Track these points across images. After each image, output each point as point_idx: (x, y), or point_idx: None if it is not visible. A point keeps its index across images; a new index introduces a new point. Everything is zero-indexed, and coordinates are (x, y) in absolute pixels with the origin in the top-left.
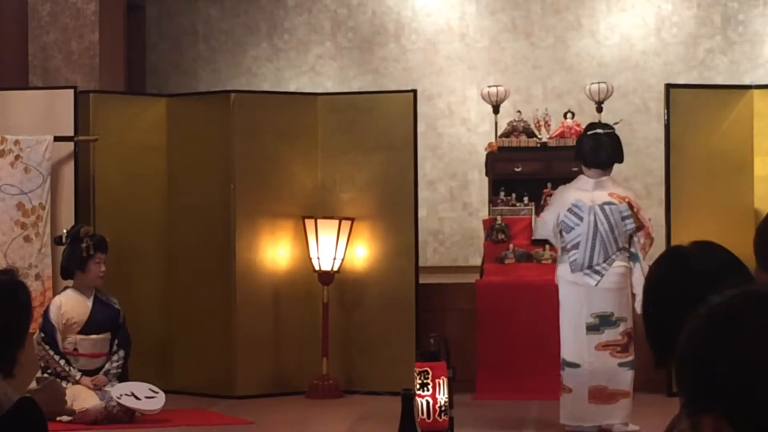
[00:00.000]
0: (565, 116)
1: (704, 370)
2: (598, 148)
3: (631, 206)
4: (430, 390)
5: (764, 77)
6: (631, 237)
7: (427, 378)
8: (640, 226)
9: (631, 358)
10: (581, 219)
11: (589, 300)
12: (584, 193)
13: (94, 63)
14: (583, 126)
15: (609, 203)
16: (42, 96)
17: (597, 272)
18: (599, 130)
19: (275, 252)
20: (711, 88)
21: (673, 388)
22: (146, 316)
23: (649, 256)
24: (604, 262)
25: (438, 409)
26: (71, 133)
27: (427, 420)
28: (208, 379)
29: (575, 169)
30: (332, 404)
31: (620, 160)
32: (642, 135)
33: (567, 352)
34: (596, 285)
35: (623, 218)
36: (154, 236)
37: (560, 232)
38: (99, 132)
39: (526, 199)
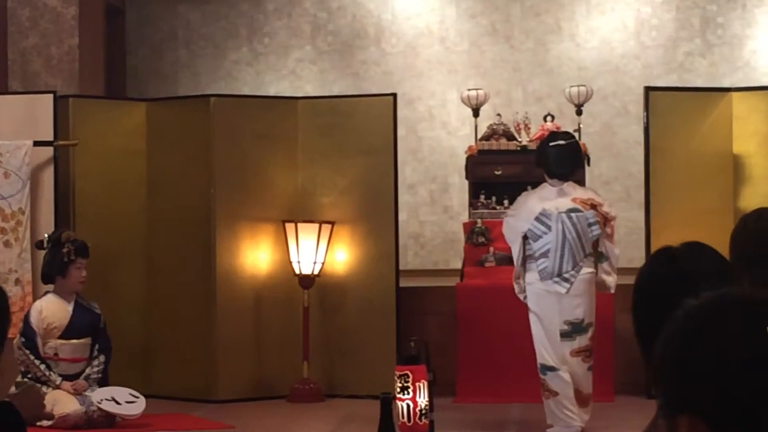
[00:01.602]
0: (545, 119)
1: (680, 371)
2: (562, 160)
3: (594, 207)
4: (411, 393)
5: (743, 80)
6: (597, 242)
7: (408, 381)
8: (604, 222)
9: (593, 361)
10: (549, 228)
11: (560, 307)
12: (548, 202)
13: (73, 68)
14: (563, 129)
15: (575, 210)
16: (21, 101)
17: (566, 280)
18: (561, 141)
19: (256, 256)
20: (690, 91)
21: (652, 390)
22: (127, 321)
23: (629, 259)
24: (573, 269)
25: (418, 413)
26: (51, 137)
27: (407, 423)
28: (189, 383)
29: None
30: (313, 408)
31: (582, 167)
32: (622, 138)
33: (546, 358)
34: (566, 292)
35: (590, 225)
36: (134, 241)
37: (526, 239)
38: (79, 137)
39: (506, 202)
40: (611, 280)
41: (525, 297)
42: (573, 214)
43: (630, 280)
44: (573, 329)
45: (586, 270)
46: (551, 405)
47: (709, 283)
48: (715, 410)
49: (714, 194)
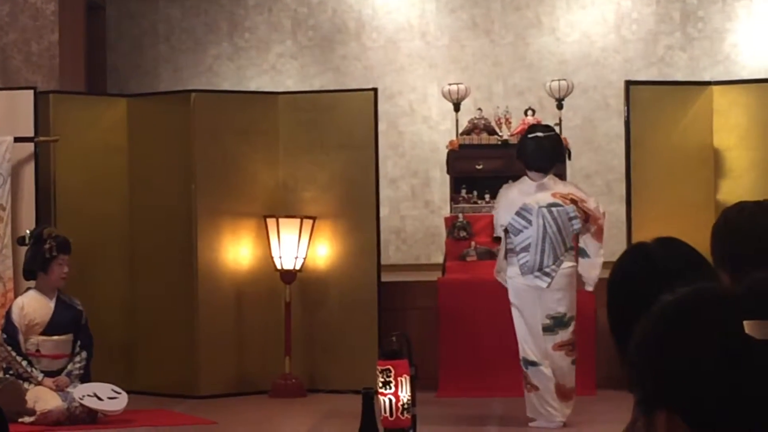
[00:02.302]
0: (525, 113)
1: (656, 367)
2: (540, 152)
3: (575, 202)
4: (393, 388)
5: (723, 73)
6: (577, 236)
7: (390, 376)
8: (586, 218)
9: (576, 355)
10: (530, 222)
11: (542, 302)
12: (529, 196)
13: (54, 63)
14: (544, 123)
15: (555, 205)
16: (1, 97)
17: (547, 274)
18: (540, 133)
19: (237, 251)
20: (671, 85)
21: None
22: (108, 317)
23: (610, 253)
24: (554, 263)
25: (401, 407)
26: (31, 134)
27: (389, 418)
28: (171, 379)
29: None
30: (295, 403)
31: (562, 160)
32: (602, 132)
33: (528, 352)
34: (547, 287)
35: (570, 219)
36: (115, 236)
37: (507, 233)
38: (59, 133)
39: (487, 196)
40: (592, 276)
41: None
42: (554, 209)
43: None
44: (555, 323)
45: (567, 264)
46: (533, 399)
47: (683, 279)
48: (692, 406)
49: (695, 188)
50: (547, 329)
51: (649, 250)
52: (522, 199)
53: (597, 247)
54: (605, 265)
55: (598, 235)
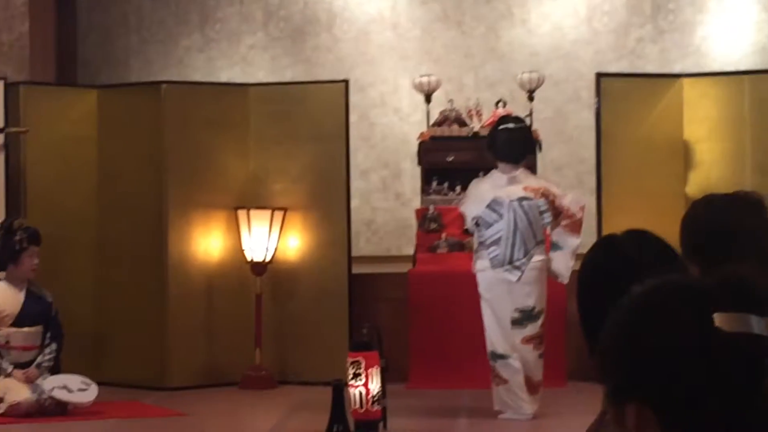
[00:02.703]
0: (496, 105)
1: (626, 359)
2: (511, 143)
3: (546, 197)
4: (363, 380)
5: (694, 66)
6: (547, 229)
7: (360, 368)
8: (557, 214)
9: (544, 348)
10: (501, 216)
11: (512, 295)
12: (500, 189)
13: (24, 54)
14: (515, 115)
15: (526, 198)
16: None
17: (517, 268)
18: (511, 125)
19: (208, 243)
20: (641, 77)
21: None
22: (78, 309)
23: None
24: (524, 257)
25: (371, 399)
26: (1, 125)
27: (360, 410)
28: (141, 371)
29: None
30: (265, 395)
31: (533, 152)
32: (574, 124)
33: (496, 345)
34: (517, 280)
35: (541, 212)
36: (85, 228)
37: (478, 226)
38: (29, 124)
39: (458, 188)
40: (566, 269)
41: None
42: (524, 202)
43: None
44: (524, 317)
45: (538, 258)
46: (501, 392)
47: (652, 272)
48: (662, 397)
49: (665, 179)
50: (516, 323)
51: (619, 242)
52: (493, 192)
53: (572, 240)
54: (576, 256)
55: (573, 228)
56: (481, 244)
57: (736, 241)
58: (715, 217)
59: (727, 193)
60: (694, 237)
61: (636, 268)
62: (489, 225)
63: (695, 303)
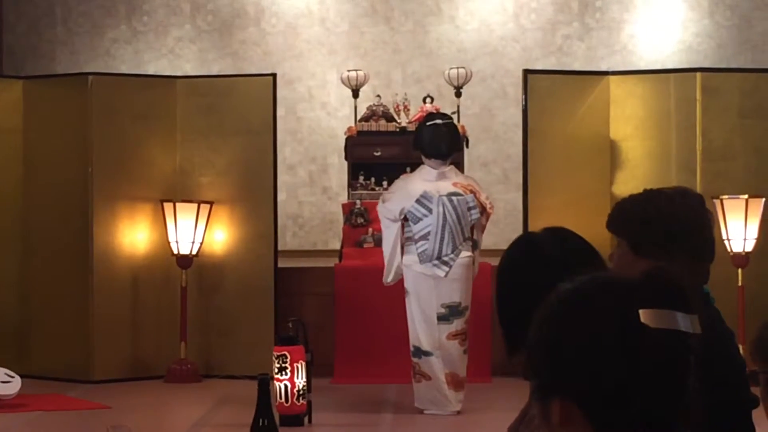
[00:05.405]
0: (424, 101)
1: (552, 355)
2: (438, 139)
3: (474, 193)
4: (289, 374)
5: (621, 63)
6: (474, 226)
7: (286, 362)
8: (482, 211)
9: (468, 344)
10: (430, 210)
11: (438, 291)
12: (429, 183)
13: None
14: (442, 111)
15: (455, 194)
16: None
17: (445, 263)
18: (438, 121)
19: (133, 236)
20: (568, 74)
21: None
22: (2, 300)
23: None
24: (452, 252)
25: (296, 393)
26: None
27: (285, 404)
28: (65, 363)
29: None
30: (190, 388)
31: (460, 148)
32: (500, 120)
33: (421, 341)
34: (445, 276)
35: (470, 209)
36: (10, 219)
37: (406, 221)
38: None
39: (385, 183)
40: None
41: (390, 282)
42: (454, 198)
43: None
44: (450, 312)
45: (465, 254)
46: (422, 389)
47: (568, 269)
48: (587, 393)
49: (591, 177)
50: (442, 318)
51: (536, 239)
52: (423, 186)
53: (481, 237)
54: (498, 253)
55: (485, 226)
56: (409, 239)
57: (700, 237)
58: (691, 211)
59: (677, 188)
60: (643, 232)
61: (554, 265)
62: (418, 220)
63: (621, 300)
